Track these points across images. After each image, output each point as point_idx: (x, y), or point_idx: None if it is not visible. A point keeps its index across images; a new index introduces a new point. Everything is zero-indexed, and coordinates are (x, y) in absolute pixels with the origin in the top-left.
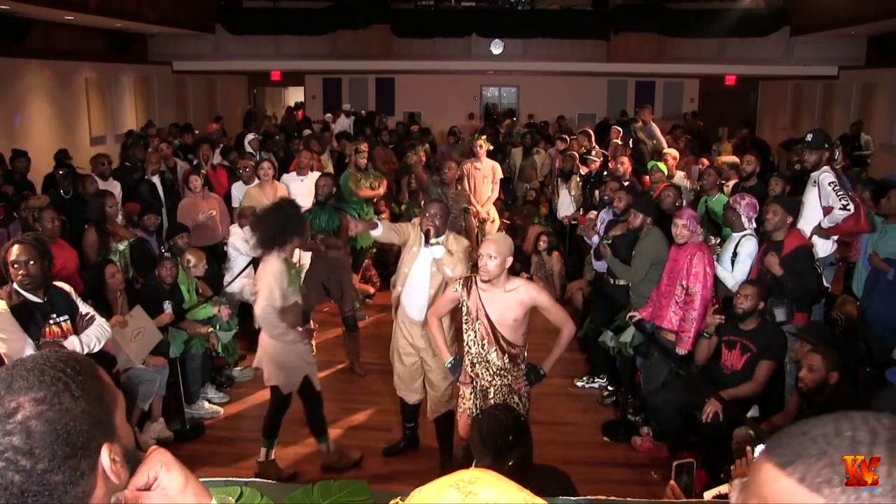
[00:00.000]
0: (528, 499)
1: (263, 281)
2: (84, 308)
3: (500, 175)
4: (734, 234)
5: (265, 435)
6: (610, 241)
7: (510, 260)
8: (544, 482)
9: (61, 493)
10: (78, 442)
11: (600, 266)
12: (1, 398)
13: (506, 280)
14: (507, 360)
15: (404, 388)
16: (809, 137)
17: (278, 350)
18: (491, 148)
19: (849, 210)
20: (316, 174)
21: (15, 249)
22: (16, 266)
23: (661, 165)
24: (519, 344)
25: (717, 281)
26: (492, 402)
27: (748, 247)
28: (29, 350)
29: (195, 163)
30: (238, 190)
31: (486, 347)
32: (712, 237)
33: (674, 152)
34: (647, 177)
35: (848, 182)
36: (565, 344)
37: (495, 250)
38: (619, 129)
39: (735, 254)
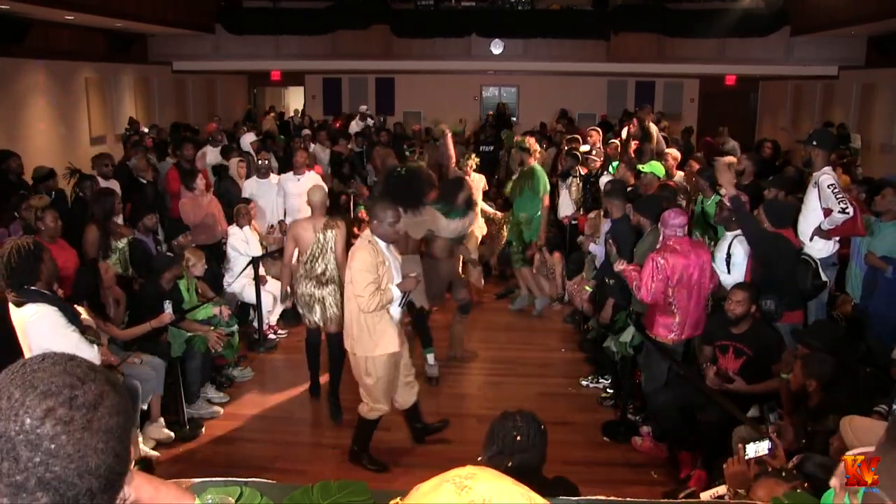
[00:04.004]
0: (525, 495)
1: (436, 218)
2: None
3: (483, 188)
4: (727, 234)
5: (426, 345)
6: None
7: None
8: (554, 493)
9: None
10: (115, 483)
11: (600, 258)
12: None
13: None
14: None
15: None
16: (815, 142)
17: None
18: (478, 162)
19: (848, 213)
20: (312, 174)
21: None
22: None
23: (657, 167)
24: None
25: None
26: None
27: (743, 247)
28: (84, 345)
29: (175, 161)
30: (249, 186)
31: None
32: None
33: (674, 153)
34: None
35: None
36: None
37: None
38: (599, 130)
39: (729, 254)
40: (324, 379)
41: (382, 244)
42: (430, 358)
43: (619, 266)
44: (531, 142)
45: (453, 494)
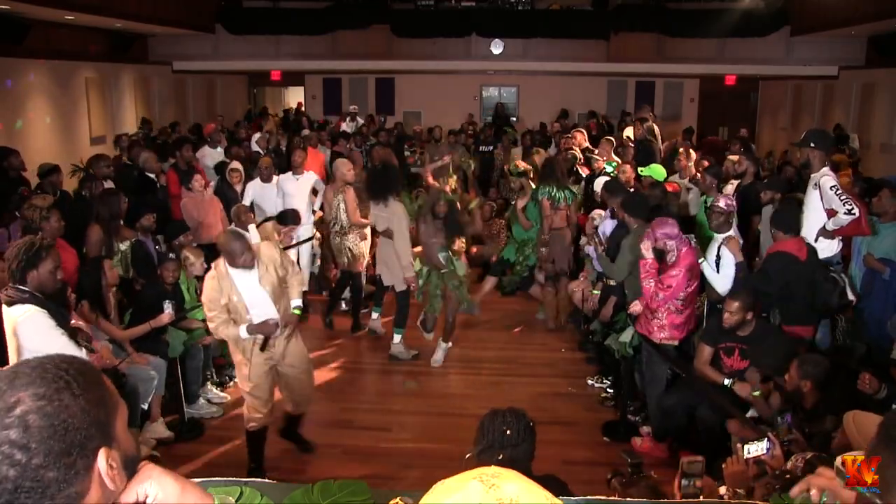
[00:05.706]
0: (548, 497)
1: (396, 219)
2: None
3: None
4: (717, 236)
5: (398, 325)
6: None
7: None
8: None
9: (54, 491)
10: (75, 440)
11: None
12: (2, 392)
13: None
14: None
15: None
16: (813, 143)
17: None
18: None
19: (854, 214)
20: (310, 174)
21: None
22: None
23: (657, 170)
24: None
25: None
26: None
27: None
28: (72, 347)
29: (173, 162)
30: (252, 188)
31: None
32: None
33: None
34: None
35: None
36: None
37: None
38: (583, 131)
39: (719, 255)
40: None
41: (238, 275)
42: (397, 338)
43: (634, 308)
44: (519, 161)
45: (482, 492)
